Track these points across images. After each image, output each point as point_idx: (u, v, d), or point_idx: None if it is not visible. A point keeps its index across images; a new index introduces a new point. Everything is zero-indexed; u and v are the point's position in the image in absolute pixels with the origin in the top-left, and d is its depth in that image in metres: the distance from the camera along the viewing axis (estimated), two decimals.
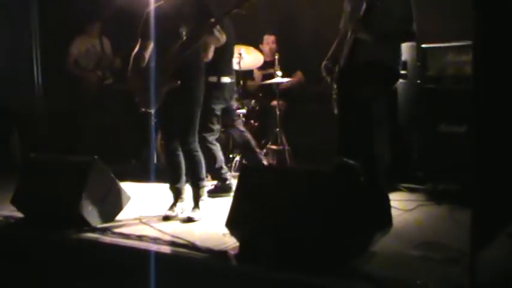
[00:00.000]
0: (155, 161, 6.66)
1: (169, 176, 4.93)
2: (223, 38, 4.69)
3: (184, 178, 4.91)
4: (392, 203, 3.76)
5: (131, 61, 4.85)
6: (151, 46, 4.81)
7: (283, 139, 6.34)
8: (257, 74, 7.37)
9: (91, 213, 4.38)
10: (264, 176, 3.85)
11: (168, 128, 4.91)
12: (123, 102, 7.61)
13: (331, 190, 3.42)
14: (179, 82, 4.54)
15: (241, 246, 3.65)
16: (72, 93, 7.69)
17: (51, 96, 8.11)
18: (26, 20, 8.18)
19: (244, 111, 6.56)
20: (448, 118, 5.10)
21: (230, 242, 3.77)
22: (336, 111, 4.51)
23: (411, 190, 5.23)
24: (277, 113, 6.35)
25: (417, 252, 3.54)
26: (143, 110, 4.80)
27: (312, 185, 3.51)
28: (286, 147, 6.30)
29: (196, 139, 4.79)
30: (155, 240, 3.97)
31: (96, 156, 4.54)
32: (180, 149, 4.80)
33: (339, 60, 4.58)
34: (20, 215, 4.78)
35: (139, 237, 4.03)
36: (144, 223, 4.49)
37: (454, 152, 4.88)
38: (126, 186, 4.85)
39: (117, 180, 4.67)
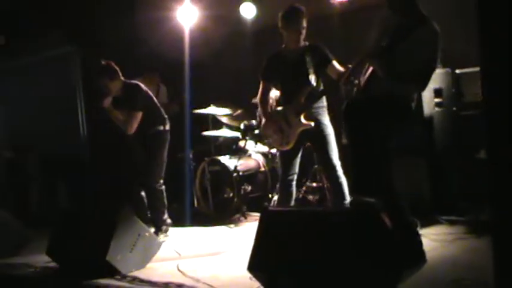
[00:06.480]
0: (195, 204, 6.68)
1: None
2: None
3: None
4: (429, 237, 3.61)
5: (260, 105, 5.39)
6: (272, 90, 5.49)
7: (322, 176, 6.22)
8: None
9: (121, 261, 4.34)
10: (285, 217, 3.75)
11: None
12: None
13: (353, 230, 3.31)
14: (313, 124, 4.97)
15: None
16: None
17: (97, 145, 8.22)
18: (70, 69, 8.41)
19: None
20: None
21: (256, 286, 3.65)
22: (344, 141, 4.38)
23: (452, 222, 5.00)
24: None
25: None
26: (278, 148, 5.37)
27: (333, 226, 3.41)
28: (326, 185, 6.17)
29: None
30: (180, 286, 3.91)
31: (125, 204, 4.54)
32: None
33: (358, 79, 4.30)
34: (55, 265, 4.77)
35: (166, 285, 3.98)
36: (180, 271, 4.39)
37: None
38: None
39: (147, 227, 4.66)
